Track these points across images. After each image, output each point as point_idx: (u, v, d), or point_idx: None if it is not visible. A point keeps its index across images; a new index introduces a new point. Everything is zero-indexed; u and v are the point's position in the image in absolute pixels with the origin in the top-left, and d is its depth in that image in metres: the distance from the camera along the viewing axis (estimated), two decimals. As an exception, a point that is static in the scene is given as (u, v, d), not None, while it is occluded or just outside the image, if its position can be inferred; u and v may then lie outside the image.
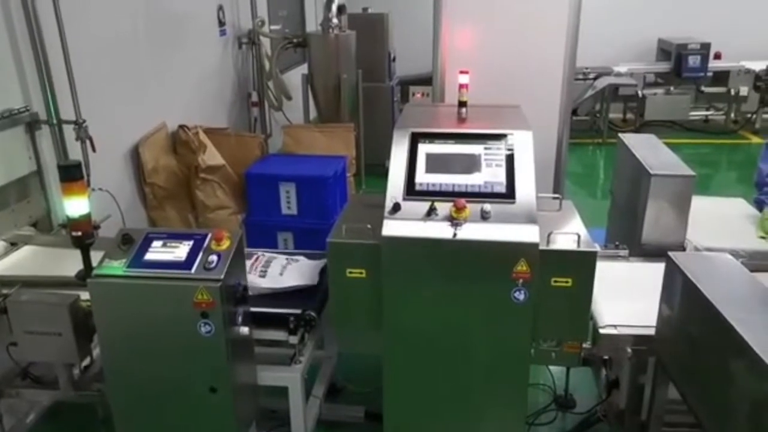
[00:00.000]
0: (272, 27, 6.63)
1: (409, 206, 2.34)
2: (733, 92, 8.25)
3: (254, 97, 6.12)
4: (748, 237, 3.07)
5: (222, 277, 2.15)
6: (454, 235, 2.24)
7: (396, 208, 2.33)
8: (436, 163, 2.46)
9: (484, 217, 2.27)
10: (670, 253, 2.22)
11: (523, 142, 2.46)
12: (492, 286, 2.27)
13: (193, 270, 2.17)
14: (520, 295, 2.25)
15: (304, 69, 6.26)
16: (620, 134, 3.49)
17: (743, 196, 3.63)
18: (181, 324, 2.19)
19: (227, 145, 4.59)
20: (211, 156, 4.31)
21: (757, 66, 8.12)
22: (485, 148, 2.48)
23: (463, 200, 2.29)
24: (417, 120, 2.78)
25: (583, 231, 2.36)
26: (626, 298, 2.54)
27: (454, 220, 2.27)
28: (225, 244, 2.25)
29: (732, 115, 8.54)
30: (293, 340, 2.52)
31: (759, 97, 8.25)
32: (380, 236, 2.28)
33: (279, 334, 2.53)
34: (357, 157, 5.38)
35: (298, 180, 4.21)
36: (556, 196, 2.74)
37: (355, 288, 2.38)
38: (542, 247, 2.22)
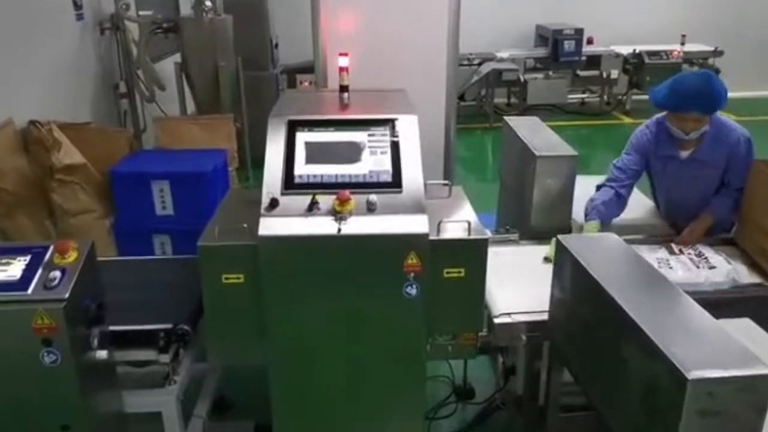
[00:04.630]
0: (141, 12, 6.08)
1: (288, 201, 2.13)
2: (605, 75, 8.71)
3: (122, 88, 5.58)
4: (628, 212, 3.14)
5: (66, 296, 1.83)
6: (339, 230, 2.07)
7: (273, 204, 2.12)
8: (316, 153, 2.27)
9: (370, 208, 2.11)
10: (559, 236, 2.19)
11: (408, 128, 2.32)
12: (382, 282, 2.12)
13: (30, 290, 1.83)
14: (413, 290, 2.12)
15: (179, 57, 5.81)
16: (505, 117, 3.48)
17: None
18: (19, 355, 1.84)
19: (89, 142, 4.09)
20: (69, 154, 3.82)
21: (625, 50, 8.64)
22: (369, 135, 2.32)
23: (347, 192, 2.11)
24: (294, 107, 2.56)
25: (473, 217, 2.26)
26: (519, 284, 2.49)
27: (338, 214, 2.09)
28: (71, 256, 1.92)
29: (605, 97, 9.04)
30: (165, 358, 2.23)
31: (628, 79, 8.79)
32: (257, 236, 2.06)
33: (148, 354, 2.24)
34: (240, 150, 5.05)
35: (172, 177, 3.82)
36: (446, 182, 2.63)
37: (232, 295, 2.14)
38: (432, 237, 2.10)
